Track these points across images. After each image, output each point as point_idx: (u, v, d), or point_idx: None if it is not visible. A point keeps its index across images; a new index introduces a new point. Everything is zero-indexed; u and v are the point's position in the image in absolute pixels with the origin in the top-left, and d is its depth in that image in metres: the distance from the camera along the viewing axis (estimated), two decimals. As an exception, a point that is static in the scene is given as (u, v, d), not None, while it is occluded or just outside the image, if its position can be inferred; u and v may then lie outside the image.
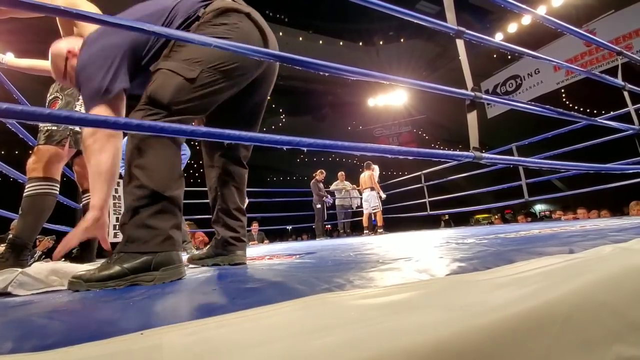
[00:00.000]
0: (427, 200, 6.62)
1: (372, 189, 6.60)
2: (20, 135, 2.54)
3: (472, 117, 1.50)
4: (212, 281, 0.88)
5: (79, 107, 1.51)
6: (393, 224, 7.16)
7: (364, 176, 6.73)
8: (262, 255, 1.95)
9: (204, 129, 1.00)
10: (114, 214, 4.83)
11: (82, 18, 0.99)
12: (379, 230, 6.42)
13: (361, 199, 6.97)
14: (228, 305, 0.52)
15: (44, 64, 1.86)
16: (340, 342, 0.41)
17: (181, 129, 0.97)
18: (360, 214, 7.88)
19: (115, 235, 4.78)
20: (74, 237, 1.04)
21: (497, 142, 6.20)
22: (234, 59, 1.21)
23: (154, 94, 1.14)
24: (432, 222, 9.62)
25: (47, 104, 1.51)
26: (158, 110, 1.13)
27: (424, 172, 6.59)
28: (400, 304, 0.50)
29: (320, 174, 6.79)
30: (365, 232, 6.63)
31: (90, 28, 1.60)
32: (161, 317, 0.49)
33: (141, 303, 0.61)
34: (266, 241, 7.34)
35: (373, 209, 6.51)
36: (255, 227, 7.15)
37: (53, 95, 1.51)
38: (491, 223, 9.84)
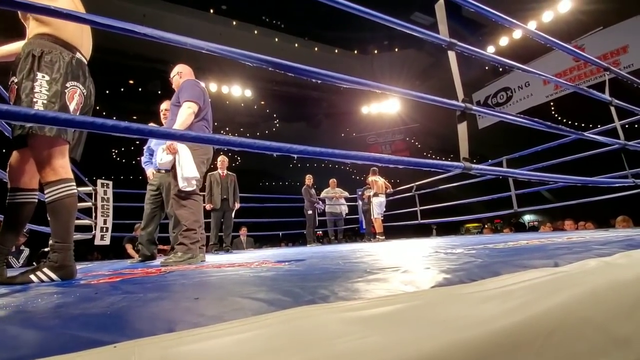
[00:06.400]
0: (418, 209, 6.64)
1: (386, 194, 6.60)
2: (7, 134, 2.48)
3: (462, 128, 1.51)
4: (195, 289, 0.87)
5: (39, 88, 1.37)
6: (385, 233, 7.13)
7: (381, 180, 6.64)
8: (251, 262, 1.93)
9: (193, 133, 0.99)
10: (102, 215, 4.75)
11: (69, 17, 0.98)
12: (379, 237, 6.36)
13: (367, 203, 6.85)
14: (207, 317, 0.50)
15: (16, 46, 1.67)
16: (320, 358, 0.40)
17: (169, 132, 0.96)
18: (353, 221, 7.85)
19: (102, 238, 4.69)
20: None
21: (489, 153, 6.24)
22: None
23: None
24: (423, 231, 9.64)
25: (8, 90, 1.43)
26: None
27: (417, 183, 6.59)
28: (384, 317, 0.49)
29: (308, 179, 6.74)
30: (379, 237, 6.46)
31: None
32: (136, 328, 0.47)
33: (118, 312, 0.59)
34: (254, 247, 7.20)
35: (380, 215, 6.47)
36: (243, 232, 6.95)
37: (11, 80, 1.42)
38: (481, 232, 9.91)
